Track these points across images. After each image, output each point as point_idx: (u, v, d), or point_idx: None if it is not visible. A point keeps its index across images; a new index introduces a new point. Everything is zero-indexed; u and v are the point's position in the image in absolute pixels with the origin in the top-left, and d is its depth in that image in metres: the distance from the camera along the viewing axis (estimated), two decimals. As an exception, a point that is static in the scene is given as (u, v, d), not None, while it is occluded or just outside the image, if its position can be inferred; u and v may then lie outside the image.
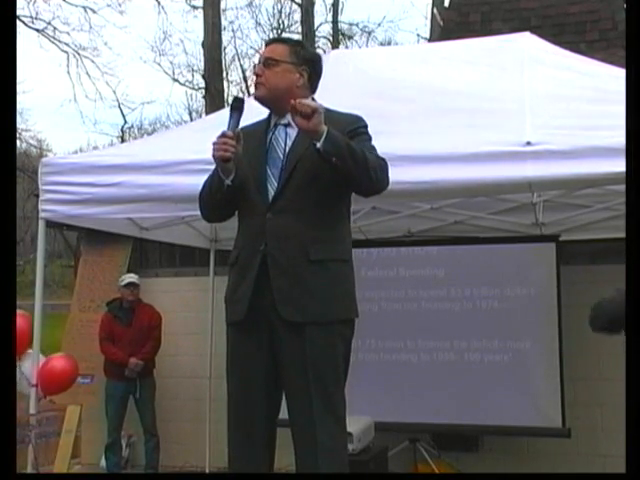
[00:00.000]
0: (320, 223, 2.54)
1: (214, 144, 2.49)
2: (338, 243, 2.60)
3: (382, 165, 2.55)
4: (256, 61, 2.72)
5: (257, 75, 2.62)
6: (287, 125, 2.63)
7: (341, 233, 2.64)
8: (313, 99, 2.65)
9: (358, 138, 2.56)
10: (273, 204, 2.54)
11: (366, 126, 2.67)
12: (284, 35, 19.07)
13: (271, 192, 2.55)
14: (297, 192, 2.53)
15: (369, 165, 2.47)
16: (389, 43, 19.78)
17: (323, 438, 2.47)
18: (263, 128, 2.67)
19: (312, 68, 2.68)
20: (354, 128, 2.60)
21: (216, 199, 2.62)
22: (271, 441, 2.64)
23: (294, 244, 2.50)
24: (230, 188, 2.55)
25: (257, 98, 2.64)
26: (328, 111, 2.50)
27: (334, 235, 2.59)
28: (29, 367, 4.24)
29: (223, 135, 2.49)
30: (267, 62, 2.61)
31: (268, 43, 2.75)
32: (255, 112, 2.74)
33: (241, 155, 2.53)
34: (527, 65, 4.27)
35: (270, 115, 2.71)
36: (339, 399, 2.55)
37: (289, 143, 2.60)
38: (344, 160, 2.41)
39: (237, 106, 2.57)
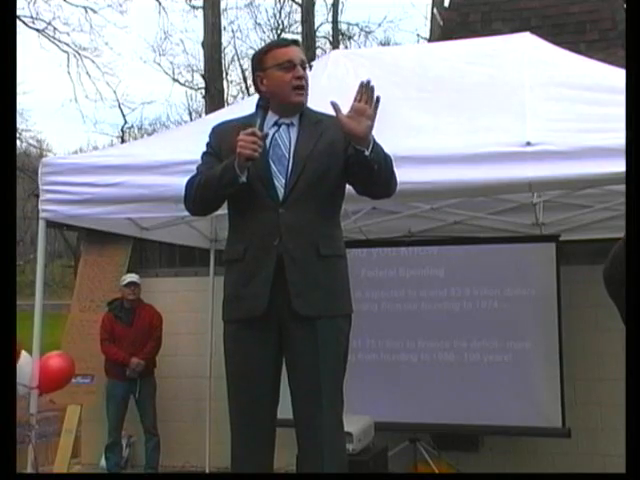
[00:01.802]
0: (327, 220, 2.62)
1: (242, 140, 2.46)
2: (339, 240, 2.68)
3: (395, 174, 2.66)
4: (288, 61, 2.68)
5: (302, 77, 2.63)
6: (290, 125, 2.67)
7: (341, 230, 2.73)
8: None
9: None
10: (285, 200, 2.56)
11: None
12: (284, 35, 19.07)
13: (280, 188, 2.58)
14: (307, 189, 2.57)
15: (393, 173, 2.60)
16: (388, 43, 19.77)
17: (327, 436, 2.51)
18: (254, 120, 2.62)
19: None
20: None
21: (223, 194, 2.59)
22: (273, 440, 2.65)
23: (307, 239, 2.55)
24: (243, 184, 2.53)
25: (302, 104, 2.67)
26: (329, 116, 2.58)
27: (336, 231, 2.68)
28: (26, 372, 4.23)
29: (253, 134, 2.48)
30: (304, 65, 2.65)
31: (290, 43, 2.72)
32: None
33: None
34: (527, 65, 4.27)
35: (264, 113, 2.68)
36: (340, 397, 2.59)
37: (294, 142, 2.64)
38: (380, 168, 2.50)
39: (264, 105, 2.60)
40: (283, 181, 2.58)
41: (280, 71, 2.63)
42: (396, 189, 2.69)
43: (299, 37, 17.72)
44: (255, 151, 2.46)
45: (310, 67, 2.73)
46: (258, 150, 2.46)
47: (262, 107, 2.59)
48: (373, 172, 2.49)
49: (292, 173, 2.58)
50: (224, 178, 2.54)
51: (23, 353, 4.28)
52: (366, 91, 2.46)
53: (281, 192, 2.57)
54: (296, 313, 2.51)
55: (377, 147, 2.50)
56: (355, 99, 2.48)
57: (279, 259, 2.52)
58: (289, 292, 2.51)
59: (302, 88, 2.63)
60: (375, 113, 2.45)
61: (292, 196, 2.56)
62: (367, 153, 2.44)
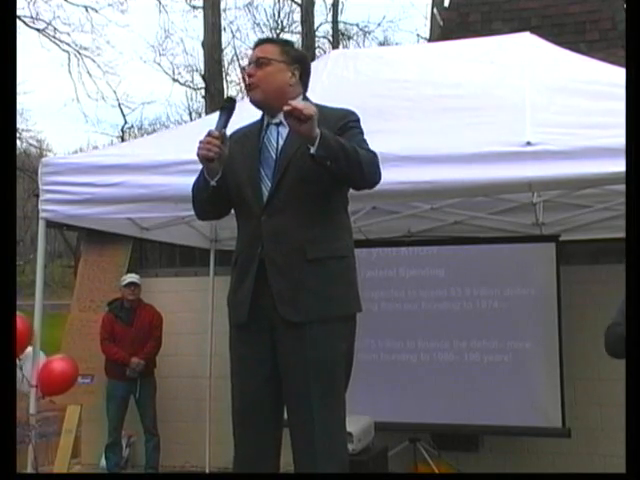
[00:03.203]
0: (316, 221, 2.53)
1: (199, 142, 2.49)
2: (336, 240, 2.59)
3: (372, 159, 2.52)
4: (246, 63, 2.69)
5: (249, 75, 2.59)
6: (279, 124, 2.62)
7: (339, 230, 2.62)
8: (306, 98, 2.65)
9: (348, 133, 2.54)
10: (267, 205, 2.53)
11: (357, 120, 2.65)
12: (284, 36, 19.06)
13: (265, 193, 2.55)
14: (290, 192, 2.51)
15: (361, 161, 2.45)
16: (388, 43, 19.76)
17: (321, 438, 2.47)
18: (257, 128, 2.66)
19: (303, 67, 2.67)
20: (344, 123, 2.57)
21: (202, 198, 2.64)
22: (276, 441, 2.63)
23: (290, 244, 2.50)
24: (215, 189, 2.54)
25: (252, 101, 2.62)
26: (318, 107, 2.46)
27: (331, 232, 2.58)
28: (30, 367, 4.24)
29: (208, 134, 2.49)
30: (259, 62, 2.59)
31: (257, 44, 2.70)
32: (246, 114, 2.74)
33: (226, 156, 2.52)
34: (527, 65, 4.27)
35: (263, 115, 2.69)
36: (339, 399, 2.56)
37: (281, 142, 2.59)
38: (338, 162, 2.39)
39: (227, 106, 2.56)
40: (269, 185, 2.55)
41: None
42: (377, 177, 2.56)
43: (298, 37, 17.74)
44: (209, 151, 2.45)
45: (285, 60, 2.61)
46: (213, 150, 2.45)
47: (224, 108, 2.56)
48: (331, 169, 2.40)
49: (276, 175, 2.54)
50: (200, 183, 2.60)
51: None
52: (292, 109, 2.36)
53: (266, 197, 2.54)
54: (284, 319, 2.50)
55: (327, 145, 2.36)
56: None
57: (261, 267, 2.51)
58: (274, 299, 2.50)
59: (249, 84, 2.60)
60: (308, 115, 2.32)
61: (274, 200, 2.52)
62: (312, 150, 2.35)
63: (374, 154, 2.54)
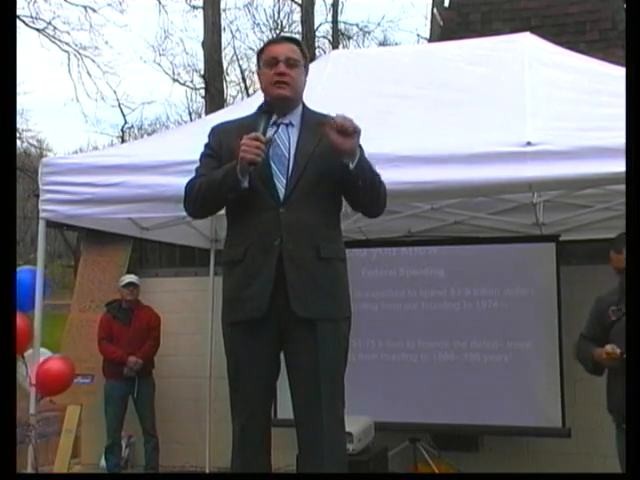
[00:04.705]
0: (328, 221, 2.61)
1: (245, 145, 2.45)
2: (339, 242, 2.66)
3: (385, 193, 2.66)
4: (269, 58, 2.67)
5: (283, 74, 2.62)
6: (288, 125, 2.66)
7: (340, 233, 2.71)
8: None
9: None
10: (286, 199, 2.55)
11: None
12: (284, 35, 19.07)
13: (280, 188, 2.56)
14: (308, 189, 2.56)
15: (380, 193, 2.61)
16: (388, 43, 19.76)
17: (328, 437, 2.50)
18: (256, 124, 2.60)
19: (307, 70, 2.76)
20: None
21: (226, 199, 2.59)
22: (270, 438, 2.64)
23: (307, 240, 2.53)
24: (245, 189, 2.52)
25: (281, 97, 2.63)
26: (323, 116, 2.57)
27: (337, 234, 2.67)
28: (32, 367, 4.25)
29: (257, 139, 2.47)
30: (290, 62, 2.64)
31: (280, 41, 2.75)
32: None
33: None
34: (527, 65, 4.28)
35: (260, 112, 2.67)
36: (341, 398, 2.59)
37: (293, 142, 2.63)
38: (365, 183, 2.52)
39: (268, 110, 2.61)
40: (284, 181, 2.56)
41: (266, 68, 2.66)
42: (382, 211, 2.70)
43: (298, 37, 17.74)
44: (258, 156, 2.45)
45: (304, 64, 2.70)
46: (261, 155, 2.45)
47: (266, 112, 2.60)
48: (358, 188, 2.52)
49: (293, 173, 2.57)
50: (226, 183, 2.53)
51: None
52: (342, 122, 2.46)
53: (282, 192, 2.55)
54: (295, 314, 2.50)
55: (363, 164, 2.51)
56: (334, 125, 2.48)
57: (280, 259, 2.51)
58: (288, 293, 2.50)
59: (282, 82, 2.62)
60: (357, 129, 2.46)
61: (293, 196, 2.55)
62: (351, 167, 2.47)
63: (385, 188, 2.67)
